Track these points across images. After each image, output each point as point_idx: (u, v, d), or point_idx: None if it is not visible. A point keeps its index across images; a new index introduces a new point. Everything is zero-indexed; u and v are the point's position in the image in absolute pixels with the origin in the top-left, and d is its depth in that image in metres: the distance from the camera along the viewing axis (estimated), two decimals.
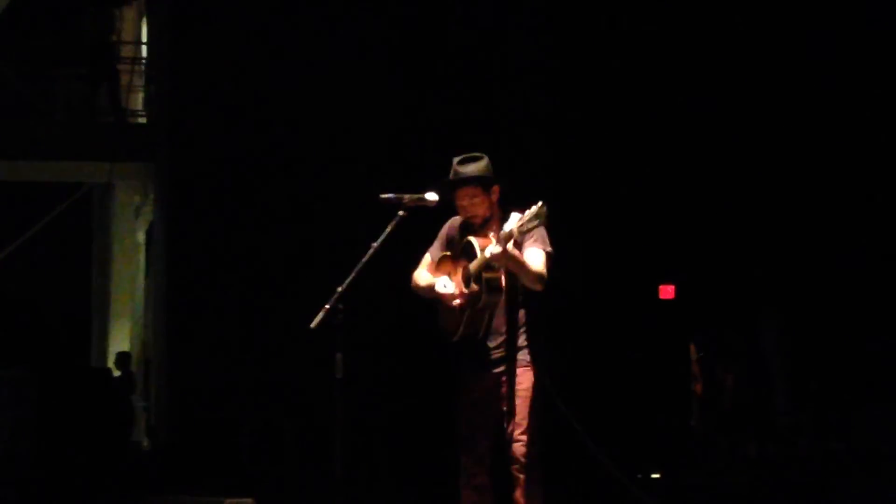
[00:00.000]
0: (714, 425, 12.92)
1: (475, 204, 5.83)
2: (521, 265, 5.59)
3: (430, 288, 5.91)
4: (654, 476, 12.54)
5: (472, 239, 5.75)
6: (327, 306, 5.57)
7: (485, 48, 13.33)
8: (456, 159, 5.90)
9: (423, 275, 6.05)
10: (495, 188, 5.87)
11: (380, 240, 5.67)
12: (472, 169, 5.84)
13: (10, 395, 12.16)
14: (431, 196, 5.80)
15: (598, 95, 13.23)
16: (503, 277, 5.68)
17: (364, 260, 5.64)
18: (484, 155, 5.90)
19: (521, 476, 5.73)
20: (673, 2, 13.45)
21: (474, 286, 5.68)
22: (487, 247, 5.54)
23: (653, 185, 13.16)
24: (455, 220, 6.04)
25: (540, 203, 5.36)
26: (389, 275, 12.10)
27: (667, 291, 13.23)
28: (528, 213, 5.38)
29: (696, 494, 11.52)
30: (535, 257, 5.65)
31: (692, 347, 12.83)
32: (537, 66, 13.33)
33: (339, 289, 5.60)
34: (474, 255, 5.69)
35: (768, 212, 13.37)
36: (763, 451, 12.32)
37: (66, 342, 19.73)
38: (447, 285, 5.82)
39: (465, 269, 5.75)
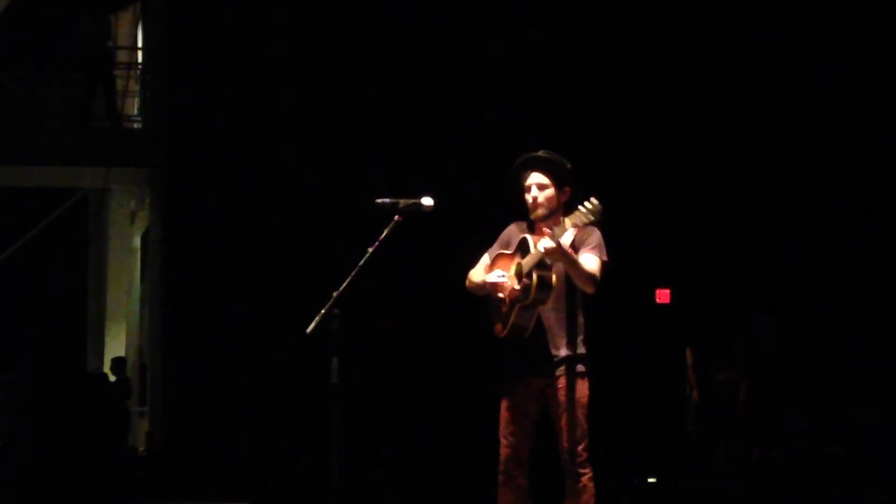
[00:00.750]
0: (710, 429, 12.90)
1: (543, 196, 5.79)
2: (574, 263, 5.59)
3: (484, 283, 5.86)
4: (650, 480, 12.54)
5: (527, 236, 5.73)
6: (323, 311, 5.57)
7: (481, 55, 13.32)
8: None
9: (477, 272, 5.98)
10: (567, 189, 5.85)
11: (376, 244, 5.67)
12: (547, 156, 5.84)
13: (5, 400, 12.15)
14: (427, 200, 5.79)
15: (592, 100, 13.24)
16: (555, 275, 5.65)
17: (360, 265, 5.63)
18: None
19: (578, 486, 5.70)
20: (666, 6, 13.47)
21: (525, 281, 5.65)
22: (540, 241, 5.53)
23: (648, 188, 13.17)
24: (517, 224, 5.98)
25: (595, 200, 5.39)
26: (386, 279, 12.11)
27: (663, 295, 13.23)
28: (582, 208, 5.41)
29: (692, 499, 11.53)
30: (589, 260, 5.67)
31: (688, 352, 12.82)
32: (533, 72, 13.33)
33: (335, 293, 5.60)
34: (529, 252, 5.68)
35: (764, 215, 13.37)
36: (765, 455, 12.32)
37: (62, 347, 19.71)
38: (500, 277, 5.78)
39: (519, 264, 5.72)
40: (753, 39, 13.48)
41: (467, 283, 6.01)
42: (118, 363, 16.11)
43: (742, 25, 13.49)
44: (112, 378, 15.47)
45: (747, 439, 12.34)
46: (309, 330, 5.54)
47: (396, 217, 5.74)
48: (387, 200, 5.80)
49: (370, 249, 5.67)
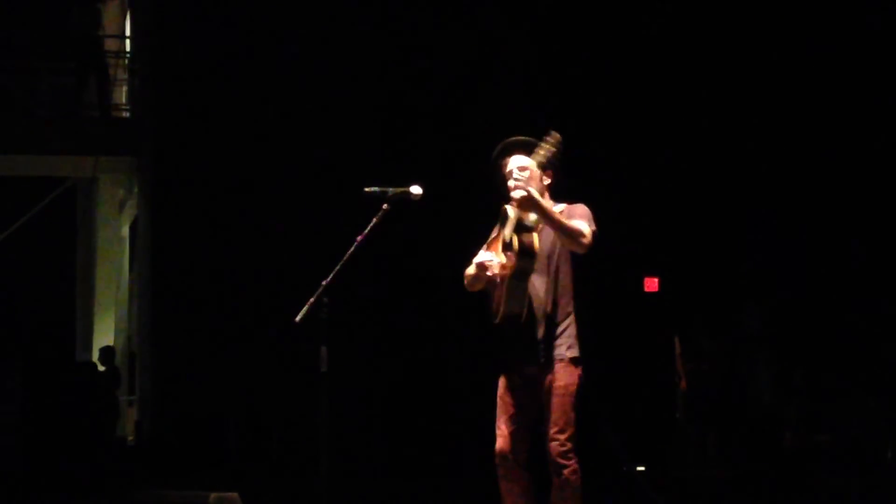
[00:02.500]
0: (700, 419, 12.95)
1: (524, 178, 5.65)
2: (550, 215, 5.47)
3: (475, 271, 5.70)
4: (640, 469, 12.56)
5: (506, 206, 5.61)
6: (312, 300, 5.57)
7: (471, 43, 13.31)
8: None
9: (471, 266, 5.80)
10: (549, 172, 5.72)
11: (364, 233, 5.67)
12: (525, 139, 5.71)
13: None
14: (416, 189, 5.79)
15: (583, 90, 13.23)
16: (536, 239, 5.55)
17: (349, 253, 5.63)
18: None
19: (557, 478, 5.57)
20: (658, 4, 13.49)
21: (509, 253, 5.55)
22: (513, 192, 5.45)
23: (637, 176, 13.18)
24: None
25: (553, 132, 5.40)
26: (374, 268, 12.10)
27: (651, 284, 13.24)
28: (542, 144, 5.43)
29: (682, 488, 11.55)
30: (576, 224, 5.54)
31: (676, 341, 12.84)
32: (523, 63, 13.33)
33: (324, 282, 5.60)
34: (507, 220, 5.59)
35: (752, 203, 13.39)
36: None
37: (50, 337, 19.67)
38: (488, 256, 5.65)
39: (502, 237, 5.61)
40: (742, 30, 13.49)
41: (465, 281, 5.82)
42: (107, 353, 16.09)
43: (731, 17, 13.50)
44: (101, 367, 15.45)
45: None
46: (298, 319, 5.54)
47: (385, 206, 5.74)
48: (375, 189, 5.80)
49: (359, 238, 5.67)
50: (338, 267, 5.60)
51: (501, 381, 5.75)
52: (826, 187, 13.38)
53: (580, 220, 5.58)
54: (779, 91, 13.44)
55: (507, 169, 5.72)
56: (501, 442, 5.67)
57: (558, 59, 13.32)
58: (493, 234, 5.82)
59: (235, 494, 8.84)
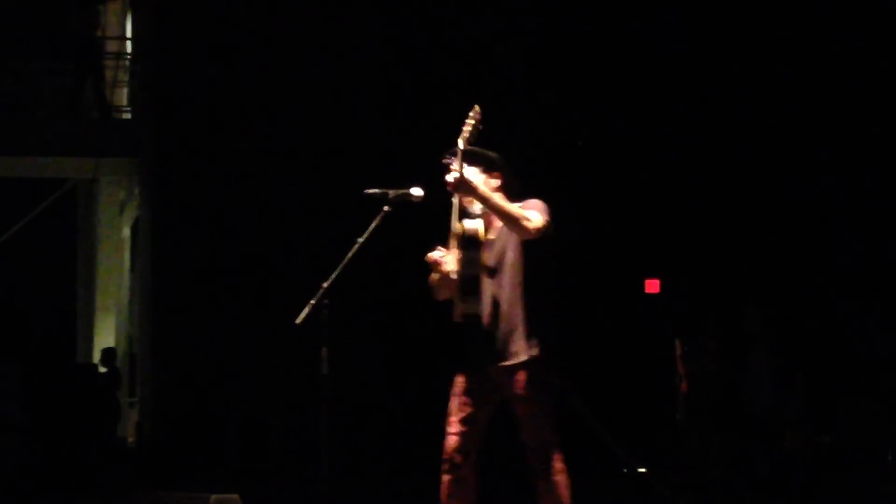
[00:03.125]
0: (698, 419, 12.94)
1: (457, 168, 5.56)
2: (488, 199, 5.43)
3: (433, 274, 5.69)
4: (640, 470, 12.56)
5: (453, 200, 5.57)
6: (312, 302, 5.56)
7: (471, 47, 13.31)
8: None
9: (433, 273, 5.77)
10: (497, 174, 5.67)
11: (365, 235, 5.67)
12: (475, 150, 5.66)
13: None
14: (416, 191, 5.78)
15: (583, 92, 13.24)
16: (480, 230, 5.51)
17: (349, 255, 5.63)
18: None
19: (547, 483, 5.49)
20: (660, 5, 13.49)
21: (456, 244, 5.54)
22: (447, 176, 5.44)
23: (637, 178, 13.18)
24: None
25: (475, 106, 5.49)
26: (375, 270, 12.11)
27: (652, 285, 13.23)
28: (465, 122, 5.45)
29: (682, 488, 11.55)
30: (526, 211, 5.47)
31: (677, 342, 12.83)
32: (523, 66, 13.32)
33: (325, 284, 5.59)
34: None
35: (754, 205, 13.39)
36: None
37: (51, 338, 19.68)
38: (438, 254, 5.65)
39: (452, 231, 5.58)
40: (740, 31, 13.50)
41: (432, 292, 5.81)
42: (108, 354, 16.09)
43: (732, 17, 13.51)
44: (102, 369, 15.45)
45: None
46: (298, 321, 5.53)
47: (385, 207, 5.73)
48: (376, 191, 5.79)
49: (359, 240, 5.66)
50: (338, 269, 5.60)
51: (459, 380, 5.64)
52: (826, 187, 13.38)
53: (531, 210, 5.50)
54: (778, 91, 13.44)
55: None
56: (453, 441, 5.57)
57: (560, 60, 13.31)
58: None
59: (236, 496, 8.84)
